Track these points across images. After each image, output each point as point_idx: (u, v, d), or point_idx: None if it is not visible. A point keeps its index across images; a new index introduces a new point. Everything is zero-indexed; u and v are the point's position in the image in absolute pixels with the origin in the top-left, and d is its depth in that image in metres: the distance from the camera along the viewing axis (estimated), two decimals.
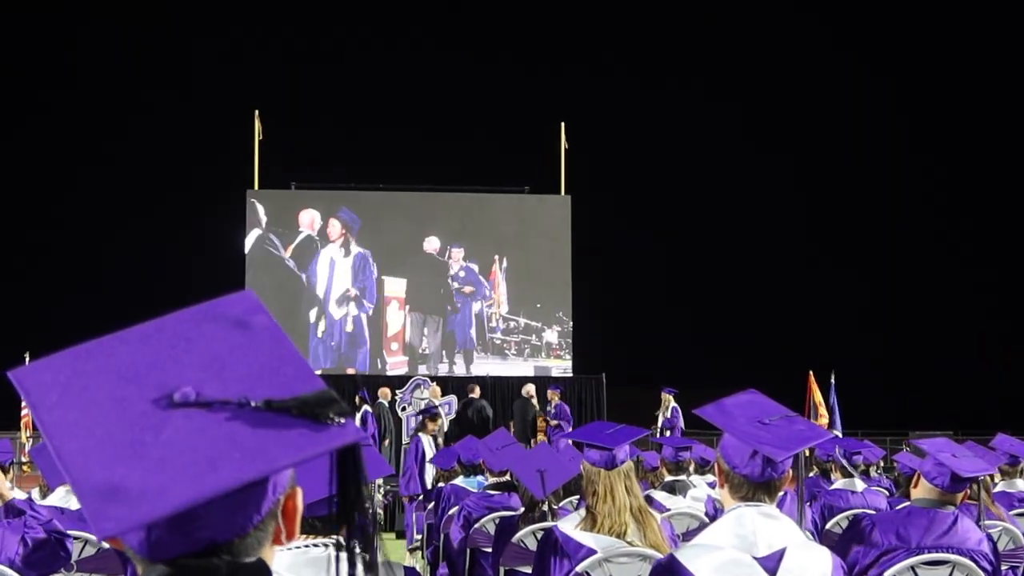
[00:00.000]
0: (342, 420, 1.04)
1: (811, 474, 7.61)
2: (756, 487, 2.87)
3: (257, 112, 20.28)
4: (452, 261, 21.19)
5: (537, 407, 17.04)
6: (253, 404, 1.05)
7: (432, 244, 20.61)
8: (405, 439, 17.44)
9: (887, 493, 7.62)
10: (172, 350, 1.11)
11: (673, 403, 16.75)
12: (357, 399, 16.25)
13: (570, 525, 3.80)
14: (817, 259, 40.37)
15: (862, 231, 42.06)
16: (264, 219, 20.35)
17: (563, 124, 20.45)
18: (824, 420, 16.44)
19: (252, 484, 1.05)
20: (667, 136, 39.42)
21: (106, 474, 0.98)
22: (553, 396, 17.11)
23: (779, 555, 2.69)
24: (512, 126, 33.51)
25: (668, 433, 16.15)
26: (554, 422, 16.77)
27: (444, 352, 20.52)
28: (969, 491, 3.93)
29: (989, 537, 3.94)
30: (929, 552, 3.67)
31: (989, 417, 27.46)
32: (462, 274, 20.99)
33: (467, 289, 20.97)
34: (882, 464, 11.55)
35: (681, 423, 16.47)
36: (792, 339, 34.19)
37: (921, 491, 3.82)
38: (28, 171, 35.81)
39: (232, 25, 37.14)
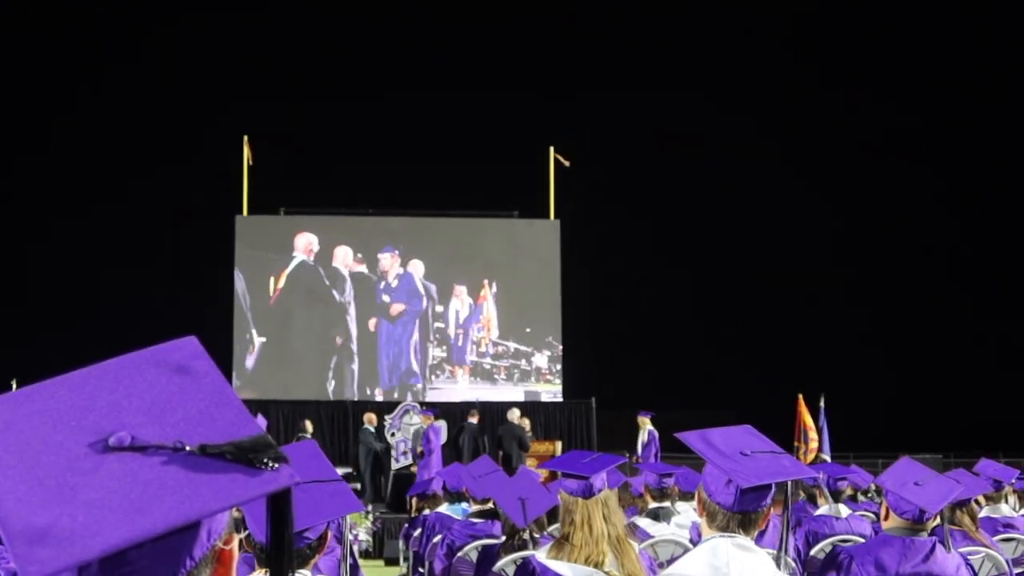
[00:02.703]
0: (276, 465, 1.04)
1: (800, 499, 7.59)
2: (731, 518, 2.87)
3: (246, 138, 20.29)
4: (384, 269, 19.65)
5: (530, 431, 16.81)
6: (188, 448, 1.05)
7: (416, 269, 20.27)
8: (395, 464, 17.33)
9: (873, 518, 7.59)
10: (111, 395, 1.11)
11: (649, 426, 16.31)
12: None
13: (544, 554, 3.79)
14: (808, 283, 40.46)
15: (853, 254, 42.20)
16: (253, 243, 20.17)
17: (552, 148, 20.49)
18: (815, 444, 16.38)
19: (186, 528, 1.04)
20: (656, 159, 39.58)
21: (34, 516, 0.97)
22: (426, 421, 15.74)
23: None
24: (501, 151, 33.63)
25: (640, 453, 15.89)
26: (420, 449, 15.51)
27: (429, 376, 20.18)
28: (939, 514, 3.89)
29: (968, 564, 3.92)
30: None
31: (979, 439, 27.51)
32: (395, 284, 19.83)
33: (395, 309, 19.48)
34: (873, 487, 11.49)
35: (657, 447, 15.95)
36: (782, 362, 34.22)
37: (892, 522, 3.79)
38: (12, 205, 35.90)
39: (224, 50, 37.29)
